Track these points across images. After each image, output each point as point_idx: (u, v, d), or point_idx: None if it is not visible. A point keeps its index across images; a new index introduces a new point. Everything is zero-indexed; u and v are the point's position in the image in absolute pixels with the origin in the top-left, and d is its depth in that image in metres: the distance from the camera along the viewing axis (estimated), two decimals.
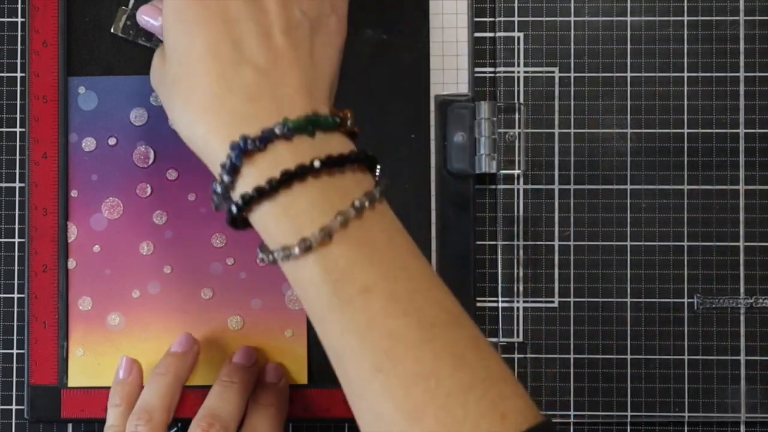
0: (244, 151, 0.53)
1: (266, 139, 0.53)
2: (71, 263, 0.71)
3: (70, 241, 0.71)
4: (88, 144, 0.71)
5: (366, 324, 0.51)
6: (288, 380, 0.70)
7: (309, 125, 0.53)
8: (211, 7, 0.56)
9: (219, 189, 0.54)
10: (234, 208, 0.54)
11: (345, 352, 0.52)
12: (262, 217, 0.53)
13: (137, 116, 0.71)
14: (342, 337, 0.52)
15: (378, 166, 0.56)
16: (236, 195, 0.54)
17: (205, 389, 0.68)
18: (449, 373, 0.51)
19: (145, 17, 0.65)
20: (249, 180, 0.53)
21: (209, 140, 0.54)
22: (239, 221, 0.55)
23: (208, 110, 0.54)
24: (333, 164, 0.53)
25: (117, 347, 0.71)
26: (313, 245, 0.51)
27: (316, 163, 0.52)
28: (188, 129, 0.56)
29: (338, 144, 0.54)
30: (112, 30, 0.71)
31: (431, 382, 0.50)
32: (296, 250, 0.52)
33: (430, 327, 0.51)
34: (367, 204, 0.53)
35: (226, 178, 0.53)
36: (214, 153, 0.54)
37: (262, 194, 0.52)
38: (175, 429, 0.69)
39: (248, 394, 0.68)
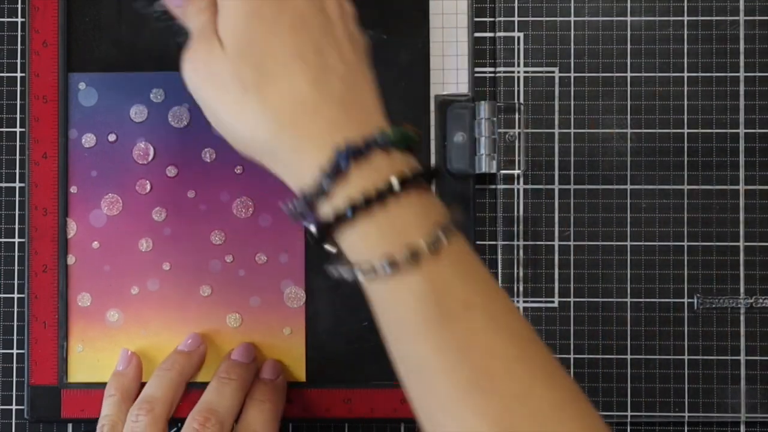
0: (351, 156, 0.51)
1: (369, 146, 0.51)
2: (70, 259, 0.71)
3: (69, 237, 0.71)
4: (88, 140, 0.71)
5: (466, 341, 0.50)
6: (286, 377, 0.70)
7: (403, 138, 0.53)
8: (289, 10, 0.54)
9: (314, 196, 0.52)
10: (332, 219, 0.52)
11: (438, 370, 0.51)
12: (364, 229, 0.51)
13: (137, 113, 0.71)
14: (437, 355, 0.51)
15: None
16: (336, 204, 0.52)
17: (203, 387, 0.68)
18: (543, 391, 0.50)
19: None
20: (354, 189, 0.51)
21: (303, 148, 0.52)
22: (330, 240, 0.53)
23: (303, 116, 0.53)
24: (426, 178, 0.52)
25: (116, 343, 0.71)
26: (421, 255, 0.50)
27: (413, 177, 0.51)
28: (274, 136, 0.53)
29: (413, 160, 0.54)
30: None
31: (528, 400, 0.50)
32: (404, 261, 0.50)
33: (523, 344, 0.51)
34: (458, 222, 0.52)
35: (326, 184, 0.51)
36: (308, 159, 0.52)
37: (370, 204, 0.51)
38: (176, 429, 0.69)
39: (246, 391, 0.68)
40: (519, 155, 0.72)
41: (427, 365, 0.51)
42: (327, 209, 0.52)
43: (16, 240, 0.73)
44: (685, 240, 0.72)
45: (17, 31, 0.73)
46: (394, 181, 0.51)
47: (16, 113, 0.73)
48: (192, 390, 0.69)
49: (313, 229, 0.53)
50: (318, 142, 0.52)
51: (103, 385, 0.70)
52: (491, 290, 0.52)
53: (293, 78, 0.53)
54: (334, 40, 0.55)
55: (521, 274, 0.72)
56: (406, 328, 0.52)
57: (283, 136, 0.53)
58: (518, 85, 0.73)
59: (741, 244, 0.72)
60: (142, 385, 0.69)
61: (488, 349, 0.50)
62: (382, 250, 0.51)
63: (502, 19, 0.73)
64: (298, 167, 0.53)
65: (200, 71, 0.56)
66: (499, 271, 0.72)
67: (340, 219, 0.51)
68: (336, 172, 0.51)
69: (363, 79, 0.55)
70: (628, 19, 0.73)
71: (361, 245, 0.52)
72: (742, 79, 0.72)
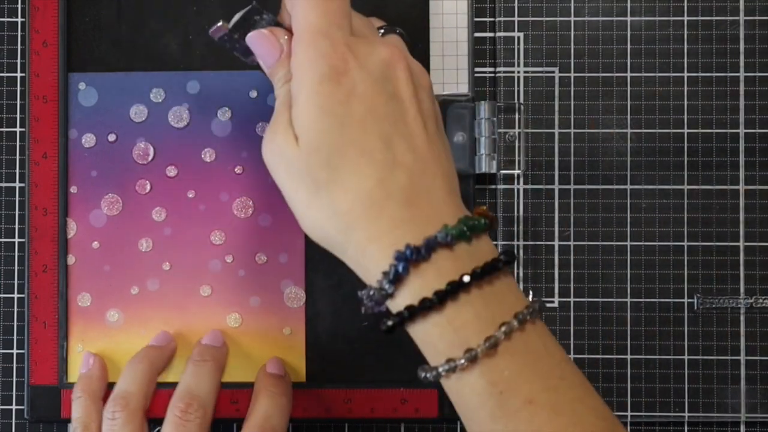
0: (409, 260, 0.51)
1: (430, 247, 0.52)
2: (70, 259, 0.71)
3: (69, 237, 0.71)
4: (88, 140, 0.71)
5: None
6: (290, 377, 0.71)
7: (467, 231, 0.53)
8: (359, 102, 0.54)
9: (378, 297, 0.53)
10: (394, 320, 0.52)
11: None
12: (425, 328, 0.52)
13: (137, 113, 0.71)
14: None
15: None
16: (397, 305, 0.53)
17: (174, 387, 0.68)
18: None
19: (258, 49, 0.60)
20: (414, 290, 0.52)
21: (368, 247, 0.53)
22: (391, 332, 0.53)
23: (368, 216, 0.53)
24: (490, 271, 0.52)
25: (116, 343, 0.71)
26: (478, 356, 0.51)
27: (477, 272, 0.52)
28: (342, 235, 0.54)
29: (486, 245, 0.54)
30: (209, 33, 0.64)
31: None
32: (462, 362, 0.51)
33: None
34: (528, 317, 0.52)
35: (388, 287, 0.52)
36: (372, 260, 0.53)
37: (428, 306, 0.51)
38: (157, 429, 0.69)
39: (222, 373, 0.69)
40: (519, 155, 0.72)
41: None
42: (392, 308, 0.53)
43: (16, 240, 0.73)
44: (685, 240, 0.72)
45: (17, 31, 0.73)
46: (450, 283, 0.51)
47: (16, 113, 0.73)
48: (163, 389, 0.69)
49: (382, 325, 0.53)
50: (381, 244, 0.53)
51: None
52: (559, 380, 0.52)
53: (360, 177, 0.53)
54: (404, 129, 0.55)
55: (521, 274, 0.72)
56: (474, 422, 0.53)
57: (351, 235, 0.54)
58: (518, 85, 0.73)
59: (741, 244, 0.72)
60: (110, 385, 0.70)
61: None
62: (442, 351, 0.52)
63: (502, 19, 0.73)
64: (365, 267, 0.54)
65: (277, 156, 0.56)
66: None
67: (402, 319, 0.52)
68: (395, 276, 0.52)
69: (434, 166, 0.55)
70: (628, 19, 0.73)
71: (425, 345, 0.53)
72: (742, 79, 0.72)
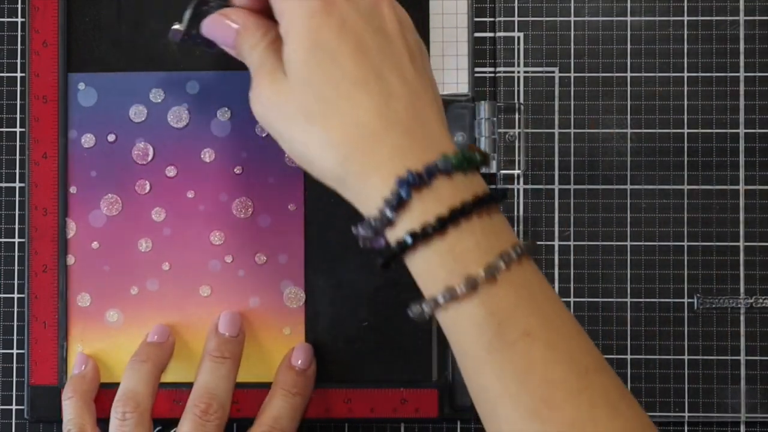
0: (412, 185, 0.52)
1: (431, 173, 0.52)
2: (70, 259, 0.71)
3: (68, 237, 0.71)
4: (87, 140, 0.71)
5: (525, 369, 0.51)
6: (315, 365, 0.71)
7: (465, 162, 0.53)
8: (349, 35, 0.55)
9: (378, 225, 0.53)
10: (395, 249, 0.53)
11: (499, 396, 0.51)
12: (425, 256, 0.52)
13: (136, 113, 0.71)
14: (498, 382, 0.51)
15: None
16: (398, 233, 0.53)
17: (173, 387, 0.70)
18: (605, 422, 0.50)
19: (215, 33, 0.62)
20: (416, 217, 0.52)
21: (368, 175, 0.53)
22: (388, 265, 0.54)
23: (367, 146, 0.53)
24: (490, 202, 0.53)
25: (115, 344, 0.71)
26: (479, 284, 0.51)
27: (479, 199, 0.52)
28: (339, 166, 0.54)
29: (479, 180, 0.54)
30: (169, 36, 0.65)
31: (588, 430, 0.50)
32: (461, 289, 0.51)
33: (585, 374, 0.51)
34: (526, 248, 0.52)
35: (390, 213, 0.52)
36: (373, 188, 0.53)
37: (431, 232, 0.51)
38: (158, 429, 0.69)
39: (238, 367, 0.69)
40: (519, 155, 0.72)
41: (489, 391, 0.52)
42: (391, 238, 0.53)
43: (16, 240, 0.73)
44: (685, 240, 0.72)
45: (17, 31, 0.73)
46: (452, 209, 0.52)
47: (16, 113, 0.73)
48: (162, 389, 0.69)
49: (378, 254, 0.54)
50: (382, 171, 0.53)
51: (103, 385, 0.70)
52: (555, 316, 0.52)
53: (356, 107, 0.54)
54: (394, 61, 0.55)
55: None
56: (468, 355, 0.53)
57: (349, 166, 0.54)
58: (518, 85, 0.73)
59: (741, 244, 0.72)
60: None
61: (548, 379, 0.50)
62: (442, 279, 0.52)
63: (502, 19, 0.73)
64: (365, 196, 0.54)
65: (267, 104, 0.57)
66: None
67: (403, 248, 0.52)
68: (398, 202, 0.52)
69: (426, 97, 0.56)
70: (628, 19, 0.73)
71: (425, 274, 0.53)
72: (742, 79, 0.72)
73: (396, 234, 0.53)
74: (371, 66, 0.54)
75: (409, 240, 0.52)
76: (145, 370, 0.68)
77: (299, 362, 0.69)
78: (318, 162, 0.55)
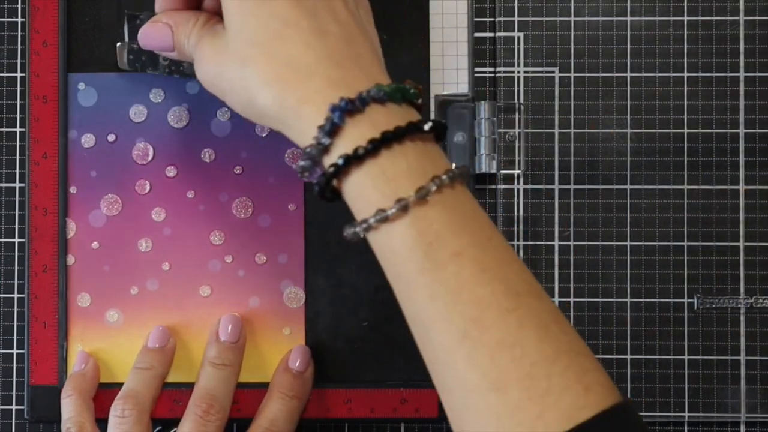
0: (345, 111, 0.52)
1: (364, 101, 0.53)
2: (70, 259, 0.71)
3: (68, 237, 0.71)
4: (87, 140, 0.71)
5: (455, 289, 0.51)
6: (313, 368, 0.71)
7: (399, 93, 0.54)
8: None
9: (315, 152, 0.54)
10: (328, 172, 0.53)
11: (432, 319, 0.52)
12: (358, 179, 0.53)
13: (137, 113, 0.71)
14: (430, 304, 0.51)
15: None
16: (332, 158, 0.53)
17: (175, 387, 0.70)
18: (534, 343, 0.50)
19: (152, 40, 0.64)
20: (349, 141, 0.53)
21: (303, 107, 0.54)
22: (329, 191, 0.54)
23: (300, 79, 0.54)
24: (422, 130, 0.53)
25: (115, 343, 0.71)
26: (409, 205, 0.51)
27: (411, 125, 0.53)
28: (275, 102, 0.55)
29: (415, 113, 0.55)
30: (118, 65, 0.71)
31: (516, 351, 0.50)
32: (392, 211, 0.51)
33: (516, 296, 0.51)
34: (458, 174, 0.53)
35: (325, 140, 0.53)
36: (308, 118, 0.54)
37: (363, 154, 0.52)
38: (158, 429, 0.69)
39: (238, 374, 0.69)
40: (519, 155, 0.72)
41: (422, 315, 0.52)
42: (326, 163, 0.54)
43: (16, 240, 0.73)
44: (685, 240, 0.72)
45: (17, 31, 0.73)
46: (383, 133, 0.52)
47: (16, 113, 0.73)
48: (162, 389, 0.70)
49: (315, 183, 0.54)
50: (316, 100, 0.54)
51: (103, 385, 0.70)
52: (486, 239, 0.52)
53: (287, 44, 0.55)
54: (326, 3, 0.56)
55: None
56: (401, 278, 0.53)
57: (284, 101, 0.55)
58: (518, 85, 0.73)
59: (741, 244, 0.72)
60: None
61: (477, 298, 0.51)
62: (374, 201, 0.52)
63: (502, 19, 0.73)
64: (302, 129, 0.54)
65: (208, 65, 0.59)
66: None
67: (336, 171, 0.53)
68: (332, 128, 0.53)
69: (360, 35, 0.57)
70: (628, 19, 0.73)
71: (358, 198, 0.53)
72: (742, 79, 0.72)
73: (330, 159, 0.53)
74: (303, 7, 0.55)
75: (341, 162, 0.52)
76: (149, 376, 0.69)
77: (296, 364, 0.70)
78: (258, 104, 0.56)
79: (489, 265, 0.51)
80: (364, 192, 0.53)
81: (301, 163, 0.54)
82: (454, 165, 0.53)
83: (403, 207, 0.51)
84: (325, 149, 0.53)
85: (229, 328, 0.70)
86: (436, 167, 0.53)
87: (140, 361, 0.69)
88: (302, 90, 0.54)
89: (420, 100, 0.56)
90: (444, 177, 0.52)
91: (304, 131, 0.54)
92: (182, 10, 0.63)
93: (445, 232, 0.51)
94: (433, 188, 0.51)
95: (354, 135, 0.52)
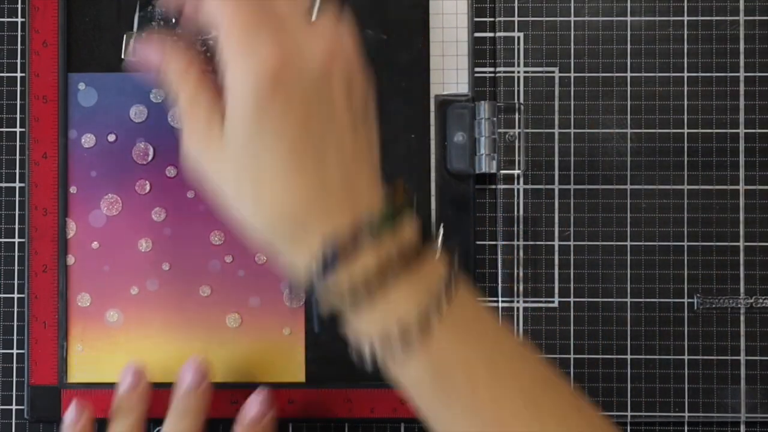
0: (336, 256, 0.52)
1: (356, 240, 0.52)
2: (70, 259, 0.71)
3: (68, 237, 0.71)
4: (88, 140, 0.71)
5: (475, 412, 0.52)
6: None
7: (390, 217, 0.53)
8: (295, 112, 0.53)
9: (309, 293, 0.54)
10: (326, 310, 0.54)
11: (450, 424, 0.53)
12: (358, 320, 0.54)
13: (137, 113, 0.71)
14: (453, 426, 0.53)
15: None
16: (327, 300, 0.53)
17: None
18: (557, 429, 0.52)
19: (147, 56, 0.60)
20: (342, 283, 0.52)
21: (295, 251, 0.54)
22: (322, 329, 0.55)
23: (293, 225, 0.53)
24: (412, 254, 0.53)
25: (115, 344, 0.71)
26: (412, 345, 0.52)
27: (400, 257, 0.52)
28: (267, 233, 0.55)
29: (409, 231, 0.54)
30: (123, 56, 0.69)
31: None
32: (397, 346, 0.52)
33: (533, 397, 0.52)
34: (453, 284, 0.53)
35: (318, 282, 0.53)
36: (300, 260, 0.54)
37: (357, 297, 0.52)
38: (158, 429, 0.69)
39: (206, 415, 0.68)
40: (519, 155, 0.72)
41: (437, 417, 0.54)
42: (323, 307, 0.54)
43: (16, 240, 0.73)
44: (685, 240, 0.72)
45: (17, 31, 0.73)
46: (372, 274, 0.52)
47: (16, 113, 0.73)
48: (162, 389, 0.69)
49: (315, 322, 0.55)
50: (310, 240, 0.53)
51: (102, 385, 0.70)
52: (494, 350, 0.53)
53: (286, 187, 0.53)
54: (336, 132, 0.54)
55: (521, 274, 0.72)
56: (421, 405, 0.54)
57: (275, 237, 0.54)
58: (518, 85, 0.73)
59: (741, 244, 0.72)
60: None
61: (498, 417, 0.52)
62: (375, 333, 0.53)
63: (502, 19, 0.73)
64: (293, 264, 0.55)
65: (199, 147, 0.56)
66: (499, 271, 0.72)
67: (336, 315, 0.54)
68: (324, 270, 0.52)
69: (360, 161, 0.55)
70: (628, 19, 0.73)
71: (362, 336, 0.55)
72: (742, 79, 0.72)
73: (324, 301, 0.53)
74: (310, 140, 0.53)
75: (339, 305, 0.53)
76: (128, 424, 0.67)
77: (253, 411, 0.68)
78: (249, 224, 0.55)
79: (502, 373, 0.52)
80: (367, 334, 0.54)
81: (296, 294, 0.56)
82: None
83: (407, 342, 0.52)
84: (317, 290, 0.53)
85: (193, 371, 0.68)
86: (432, 281, 0.53)
87: (118, 408, 0.67)
88: (295, 234, 0.54)
89: (413, 202, 0.55)
90: (443, 298, 0.52)
91: (295, 267, 0.54)
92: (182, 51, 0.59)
93: (454, 358, 0.52)
94: (432, 315, 0.52)
95: (347, 279, 0.52)
